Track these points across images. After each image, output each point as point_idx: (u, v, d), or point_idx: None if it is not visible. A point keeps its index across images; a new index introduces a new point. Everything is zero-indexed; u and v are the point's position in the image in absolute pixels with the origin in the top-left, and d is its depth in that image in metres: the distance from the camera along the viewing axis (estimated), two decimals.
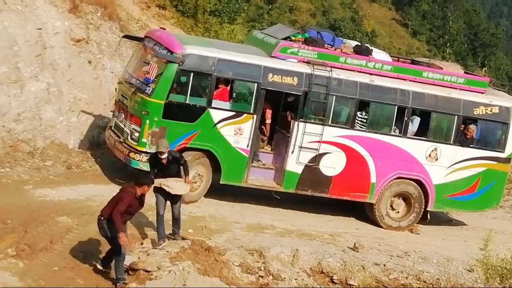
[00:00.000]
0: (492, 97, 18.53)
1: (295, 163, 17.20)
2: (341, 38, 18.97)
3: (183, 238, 14.27)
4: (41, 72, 17.98)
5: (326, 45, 17.77)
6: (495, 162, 18.54)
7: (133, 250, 13.69)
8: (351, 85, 17.32)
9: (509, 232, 19.47)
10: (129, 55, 20.08)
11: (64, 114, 18.49)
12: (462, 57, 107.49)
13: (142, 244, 14.12)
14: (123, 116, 16.98)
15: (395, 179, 17.96)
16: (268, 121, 17.80)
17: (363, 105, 17.54)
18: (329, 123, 17.26)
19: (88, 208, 14.78)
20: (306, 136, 17.08)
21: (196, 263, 13.17)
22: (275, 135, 17.96)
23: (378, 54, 18.44)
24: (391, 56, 19.10)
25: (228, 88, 16.81)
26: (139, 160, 16.16)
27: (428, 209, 18.32)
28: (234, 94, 16.84)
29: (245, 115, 16.75)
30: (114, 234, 12.15)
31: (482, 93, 18.52)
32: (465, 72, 19.54)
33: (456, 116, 18.08)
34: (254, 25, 64.87)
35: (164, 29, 19.28)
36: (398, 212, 18.32)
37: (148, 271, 12.80)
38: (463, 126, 18.26)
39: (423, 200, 18.17)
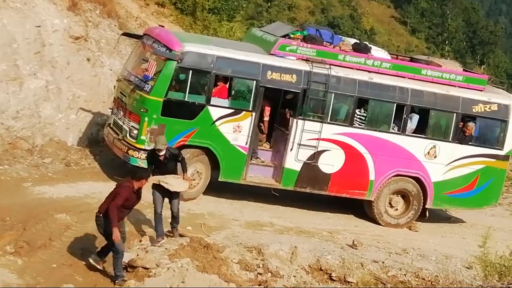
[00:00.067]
0: (490, 95, 18.55)
1: (294, 160, 17.21)
2: (340, 36, 18.98)
3: (181, 235, 14.28)
4: (40, 69, 17.97)
5: (325, 42, 17.78)
6: (493, 160, 18.56)
7: (131, 247, 13.70)
8: (350, 82, 17.33)
9: (507, 230, 19.49)
10: (128, 52, 20.07)
11: (63, 111, 18.48)
12: (461, 54, 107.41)
13: (140, 241, 14.12)
14: (121, 113, 16.98)
15: (393, 176, 17.98)
16: (266, 118, 17.80)
17: (362, 103, 17.56)
18: (328, 120, 17.27)
19: (87, 205, 14.78)
20: (304, 133, 17.09)
21: (194, 260, 13.17)
22: (274, 132, 17.96)
23: (377, 52, 18.45)
24: (390, 54, 19.10)
25: (227, 85, 16.82)
26: (137, 158, 16.17)
27: (426, 206, 18.34)
28: (233, 91, 16.84)
29: (244, 112, 16.76)
30: (111, 231, 12.15)
31: (481, 90, 18.55)
32: (464, 70, 19.54)
33: (454, 114, 18.10)
34: (253, 22, 64.84)
35: (163, 26, 19.26)
36: (397, 209, 18.34)
37: (147, 268, 12.80)
38: (461, 123, 18.27)
39: (422, 197, 18.20)
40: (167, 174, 13.96)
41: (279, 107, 17.91)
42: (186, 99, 16.38)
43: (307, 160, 17.26)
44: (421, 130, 18.04)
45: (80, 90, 19.04)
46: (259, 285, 13.28)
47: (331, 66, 17.17)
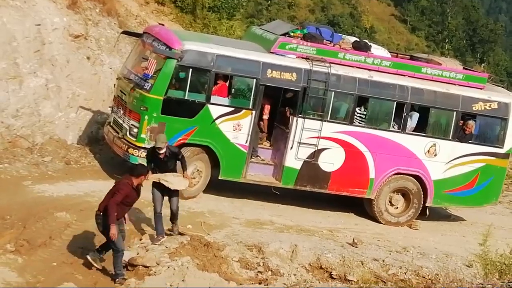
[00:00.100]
0: (491, 93, 18.54)
1: (294, 158, 17.20)
2: (340, 34, 19.00)
3: (181, 234, 14.27)
4: (39, 68, 17.97)
5: (325, 41, 17.77)
6: (493, 158, 18.56)
7: (132, 246, 13.70)
8: (350, 81, 17.32)
9: (508, 228, 19.47)
10: (127, 51, 20.06)
11: (63, 110, 18.48)
12: (461, 53, 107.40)
13: (141, 239, 14.12)
14: (121, 112, 16.98)
15: (394, 174, 17.98)
16: (266, 116, 17.76)
17: (362, 101, 17.55)
18: (328, 119, 17.27)
19: (87, 203, 14.79)
20: (305, 132, 17.09)
21: (195, 258, 13.18)
22: (274, 130, 17.95)
23: (377, 50, 18.46)
24: (390, 52, 19.11)
25: (227, 84, 16.81)
26: (138, 156, 16.15)
27: (427, 204, 18.34)
28: (233, 90, 16.84)
29: (244, 110, 16.75)
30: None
31: (481, 89, 18.53)
32: (464, 68, 19.54)
33: (455, 112, 18.09)
34: (253, 21, 64.76)
35: (162, 25, 19.26)
36: (397, 207, 18.34)
37: (147, 267, 12.81)
38: (462, 121, 18.26)
39: (422, 195, 18.19)
40: (167, 172, 13.96)
41: (279, 106, 17.90)
42: (186, 98, 16.38)
43: (307, 158, 17.26)
44: (421, 128, 18.04)
45: (80, 88, 19.04)
46: (259, 283, 13.29)
47: (331, 64, 17.16)
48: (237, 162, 16.94)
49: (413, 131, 18.04)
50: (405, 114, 17.74)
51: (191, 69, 16.31)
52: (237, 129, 16.73)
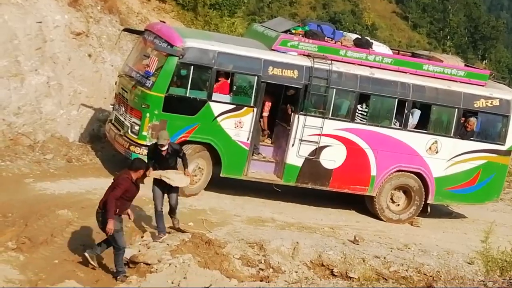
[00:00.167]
0: (492, 90, 18.52)
1: (295, 156, 17.20)
2: (341, 31, 18.97)
3: (183, 231, 14.28)
4: (41, 65, 17.97)
5: (326, 38, 17.75)
6: (495, 155, 18.55)
7: (133, 243, 13.72)
8: (352, 78, 17.31)
9: (509, 225, 19.49)
10: (129, 48, 20.07)
11: (64, 107, 18.49)
12: (463, 50, 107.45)
13: (142, 237, 14.13)
14: (123, 109, 16.98)
15: (395, 172, 17.97)
16: (266, 114, 17.73)
17: (363, 98, 17.54)
18: (330, 116, 17.26)
19: (89, 201, 14.78)
20: (306, 129, 17.08)
21: (196, 256, 13.19)
22: (276, 128, 17.95)
23: (378, 47, 18.43)
24: (391, 49, 19.08)
25: (228, 81, 16.80)
26: (139, 153, 16.10)
27: (428, 201, 18.34)
28: (234, 87, 16.83)
29: (245, 108, 16.75)
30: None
31: (483, 86, 18.52)
32: (465, 65, 19.52)
33: (456, 109, 18.08)
34: (254, 18, 64.85)
35: (164, 22, 19.25)
36: (399, 205, 18.33)
37: (149, 264, 12.82)
38: (463, 119, 18.25)
39: (424, 193, 18.19)
40: (168, 169, 13.96)
41: (281, 103, 17.89)
42: (187, 95, 16.37)
43: (308, 155, 17.25)
44: (422, 125, 18.03)
45: (81, 86, 19.04)
46: (260, 280, 13.29)
47: (333, 62, 17.15)
48: (238, 160, 16.94)
49: (414, 128, 18.03)
50: (406, 111, 17.72)
51: (192, 67, 16.31)
52: (239, 126, 16.73)
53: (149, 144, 15.66)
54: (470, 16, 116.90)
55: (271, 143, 17.97)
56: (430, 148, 18.00)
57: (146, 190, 14.28)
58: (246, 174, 17.19)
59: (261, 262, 13.83)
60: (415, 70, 17.96)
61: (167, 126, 15.98)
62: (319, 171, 17.42)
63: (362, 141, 17.54)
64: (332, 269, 14.17)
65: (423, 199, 18.24)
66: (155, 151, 13.96)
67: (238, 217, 16.24)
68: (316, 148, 17.25)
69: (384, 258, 14.75)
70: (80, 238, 13.40)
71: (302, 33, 17.55)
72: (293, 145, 17.14)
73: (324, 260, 14.30)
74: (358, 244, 15.37)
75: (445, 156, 18.13)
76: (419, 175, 18.10)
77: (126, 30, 19.27)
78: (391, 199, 18.20)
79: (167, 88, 16.17)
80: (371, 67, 17.57)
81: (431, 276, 14.40)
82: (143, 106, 16.25)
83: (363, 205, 18.43)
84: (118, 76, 18.04)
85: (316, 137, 17.18)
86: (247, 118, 16.76)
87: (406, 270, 14.44)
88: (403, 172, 18.06)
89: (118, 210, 12.25)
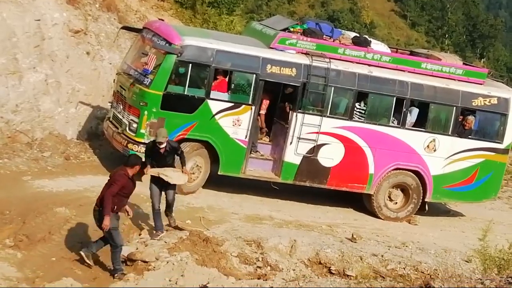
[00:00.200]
0: (490, 88, 18.54)
1: (293, 154, 17.20)
2: (340, 29, 18.97)
3: (180, 229, 14.28)
4: (39, 63, 17.96)
5: (324, 36, 17.75)
6: (493, 153, 18.56)
7: (131, 241, 13.72)
8: (350, 76, 17.31)
9: (507, 223, 19.50)
10: (127, 46, 20.05)
11: (63, 105, 18.47)
12: (461, 48, 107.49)
13: (140, 235, 14.14)
14: (121, 107, 16.97)
15: (393, 170, 17.98)
16: (263, 111, 17.71)
17: (361, 96, 17.55)
18: (328, 114, 17.26)
19: (87, 198, 14.77)
20: (304, 127, 17.08)
21: (194, 253, 13.20)
22: (274, 126, 17.95)
23: (377, 45, 18.43)
24: (389, 47, 19.08)
25: (227, 79, 16.80)
26: (137, 151, 16.12)
27: (426, 200, 18.34)
28: (233, 85, 16.82)
29: (243, 106, 16.75)
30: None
31: (481, 84, 18.54)
32: (463, 63, 19.51)
33: (454, 107, 18.09)
34: (253, 16, 64.89)
35: (162, 20, 19.22)
36: (396, 203, 18.34)
37: (146, 262, 12.83)
38: (461, 117, 18.26)
39: (421, 191, 18.19)
40: (166, 167, 13.95)
41: (279, 101, 17.89)
42: (185, 93, 16.37)
43: (306, 153, 17.26)
44: (420, 123, 18.03)
45: (79, 83, 19.03)
46: (258, 278, 13.29)
47: (331, 60, 17.15)
48: (236, 158, 16.94)
49: (412, 126, 18.04)
50: (404, 110, 17.73)
51: (190, 65, 16.31)
52: (237, 124, 16.73)
53: (147, 141, 15.65)
54: (469, 14, 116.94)
55: (269, 141, 17.97)
56: (428, 146, 18.01)
57: (143, 188, 14.29)
58: (244, 172, 17.19)
59: (258, 260, 13.84)
60: (413, 69, 17.97)
61: (165, 124, 15.96)
62: (317, 169, 17.42)
63: (360, 139, 17.54)
64: (330, 267, 14.17)
65: (421, 197, 18.25)
66: (153, 148, 13.97)
67: (236, 215, 16.24)
68: (314, 146, 17.25)
69: (382, 256, 14.75)
70: (78, 235, 13.40)
71: (301, 31, 17.54)
72: (291, 143, 17.14)
73: (321, 258, 14.31)
74: (355, 242, 15.37)
75: (443, 154, 18.14)
76: (417, 173, 18.11)
77: (124, 28, 19.27)
78: (389, 197, 18.21)
79: (165, 86, 16.16)
80: (369, 65, 17.57)
81: (428, 274, 14.40)
82: (141, 104, 16.24)
83: (361, 203, 18.44)
84: (116, 74, 18.04)
85: (314, 135, 17.18)
86: (245, 116, 16.76)
87: (404, 268, 14.45)
88: (401, 170, 18.07)
89: (115, 207, 12.27)
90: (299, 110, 17.05)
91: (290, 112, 17.18)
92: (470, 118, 18.19)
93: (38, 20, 18.12)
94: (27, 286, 11.68)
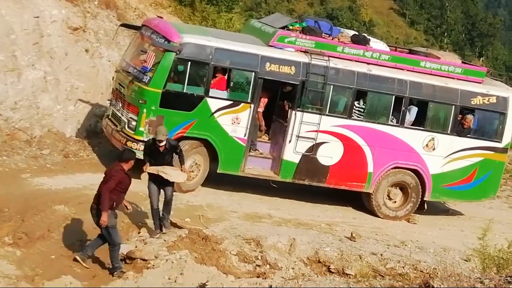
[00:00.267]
0: (489, 87, 18.53)
1: (292, 152, 17.19)
2: (339, 28, 18.98)
3: (179, 227, 14.27)
4: (38, 60, 17.94)
5: (323, 34, 17.74)
6: (492, 152, 18.55)
7: (130, 239, 13.72)
8: (349, 74, 17.30)
9: (505, 222, 19.48)
10: (126, 43, 20.03)
11: (61, 102, 18.46)
12: (460, 47, 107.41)
13: (139, 233, 14.13)
14: (120, 104, 16.96)
15: (392, 168, 17.97)
16: (261, 109, 17.68)
17: (360, 95, 17.54)
18: (327, 112, 17.25)
19: (86, 196, 14.74)
20: (303, 125, 17.07)
21: (193, 252, 13.19)
22: (273, 124, 17.94)
23: (376, 44, 18.43)
24: (388, 46, 19.08)
25: (226, 77, 16.79)
26: (136, 149, 16.06)
27: (425, 198, 18.34)
28: (232, 83, 16.82)
29: (242, 104, 16.74)
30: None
31: (480, 83, 18.52)
32: (462, 62, 19.51)
33: (453, 106, 18.08)
34: (252, 14, 64.68)
35: (161, 17, 19.21)
36: (395, 201, 18.34)
37: (145, 260, 12.83)
38: (460, 116, 18.25)
39: (420, 189, 18.19)
40: (164, 165, 13.93)
41: (278, 99, 17.88)
42: (184, 91, 16.36)
43: (305, 152, 17.25)
44: (419, 122, 18.03)
45: (78, 81, 19.02)
46: (257, 277, 13.28)
47: (330, 58, 17.14)
48: (235, 156, 16.93)
49: (411, 125, 18.03)
50: (403, 108, 17.73)
51: (189, 62, 16.29)
52: (236, 122, 16.72)
53: (146, 139, 15.64)
54: (468, 13, 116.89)
55: (268, 140, 17.96)
56: (427, 145, 18.00)
57: (142, 186, 14.29)
58: (243, 170, 17.18)
59: (257, 259, 13.83)
60: (412, 67, 17.96)
61: (164, 122, 15.95)
62: (316, 168, 17.42)
63: (359, 137, 17.54)
64: (329, 266, 14.17)
65: (420, 196, 18.24)
66: (152, 146, 13.95)
67: (235, 213, 16.24)
68: (313, 145, 17.24)
69: (381, 255, 14.74)
70: (77, 233, 13.40)
71: (300, 29, 17.54)
72: (290, 141, 17.13)
73: (320, 256, 14.30)
74: (354, 241, 15.36)
75: (442, 153, 18.14)
76: (416, 172, 18.10)
77: (123, 25, 19.23)
78: (388, 196, 18.20)
79: (164, 83, 16.15)
80: (368, 63, 17.56)
81: (427, 273, 14.39)
82: (140, 101, 16.22)
83: (360, 201, 18.43)
84: (115, 71, 18.03)
85: (313, 134, 17.17)
86: (244, 114, 16.75)
87: (403, 267, 14.45)
88: (400, 169, 18.06)
89: (114, 203, 12.26)
90: (298, 109, 17.04)
91: (289, 110, 17.17)
92: (469, 117, 18.18)
93: (36, 17, 18.11)
94: (26, 284, 11.66)
